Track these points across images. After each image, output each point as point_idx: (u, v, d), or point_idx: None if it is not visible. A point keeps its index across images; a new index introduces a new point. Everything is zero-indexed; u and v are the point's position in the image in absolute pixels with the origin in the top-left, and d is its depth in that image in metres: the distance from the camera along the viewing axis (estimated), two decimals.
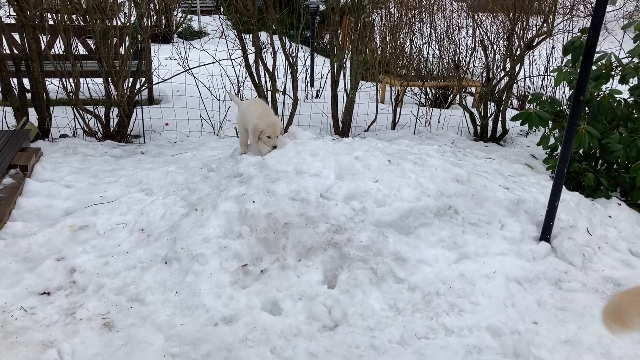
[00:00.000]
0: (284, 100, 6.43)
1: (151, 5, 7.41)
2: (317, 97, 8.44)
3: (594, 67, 4.79)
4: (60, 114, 6.07)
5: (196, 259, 3.33)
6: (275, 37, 6.12)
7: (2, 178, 4.38)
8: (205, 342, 2.86)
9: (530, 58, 8.05)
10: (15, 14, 5.54)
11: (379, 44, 8.30)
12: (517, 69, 6.72)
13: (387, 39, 8.03)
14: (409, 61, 8.30)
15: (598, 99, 4.91)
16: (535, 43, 6.65)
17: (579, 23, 7.77)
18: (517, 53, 6.61)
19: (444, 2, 8.94)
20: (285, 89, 6.43)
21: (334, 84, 6.51)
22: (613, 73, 4.98)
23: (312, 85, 9.05)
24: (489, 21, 7.26)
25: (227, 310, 3.05)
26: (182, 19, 15.01)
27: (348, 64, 6.60)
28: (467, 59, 7.55)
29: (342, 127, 6.66)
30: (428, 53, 8.65)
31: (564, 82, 5.15)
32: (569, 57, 5.19)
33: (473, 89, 8.71)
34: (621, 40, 6.58)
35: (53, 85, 5.92)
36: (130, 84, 5.95)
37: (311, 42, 9.43)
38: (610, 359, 2.88)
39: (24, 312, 3.01)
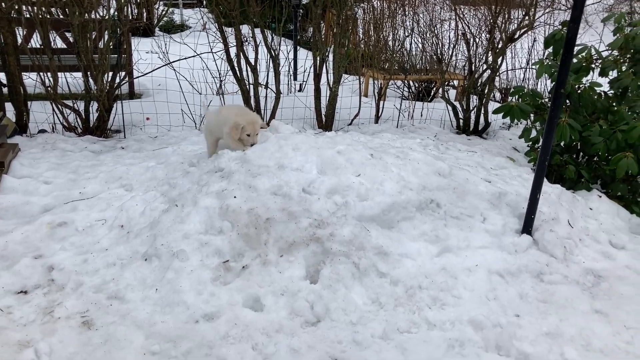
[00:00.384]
0: (266, 94, 6.38)
1: None
2: (300, 90, 8.40)
3: (574, 60, 4.82)
4: (39, 109, 5.96)
5: (176, 255, 3.29)
6: (258, 31, 6.06)
7: None
8: (186, 339, 2.83)
9: (512, 51, 8.08)
10: None
11: (361, 37, 8.27)
12: (499, 61, 6.74)
13: (370, 32, 8.01)
14: (392, 54, 8.29)
15: (579, 91, 4.94)
16: (517, 36, 6.67)
17: (560, 16, 7.82)
18: (499, 46, 6.63)
19: None
20: (267, 82, 6.38)
21: (317, 78, 6.47)
22: (593, 66, 5.01)
23: (295, 79, 9.00)
24: (472, 14, 7.26)
25: (208, 307, 3.02)
26: (163, 12, 14.85)
27: (331, 58, 6.57)
28: (450, 52, 7.55)
29: (325, 121, 6.64)
30: (411, 46, 8.64)
31: (546, 74, 5.17)
32: (550, 49, 5.21)
33: (456, 82, 8.73)
34: (601, 33, 6.63)
35: (31, 80, 5.81)
36: (110, 78, 5.86)
37: (294, 36, 9.37)
38: (590, 350, 2.91)
39: (0, 311, 2.95)
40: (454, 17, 7.37)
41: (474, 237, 3.71)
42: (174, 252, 3.32)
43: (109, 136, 6.08)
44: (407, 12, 8.37)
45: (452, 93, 8.74)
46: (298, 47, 9.39)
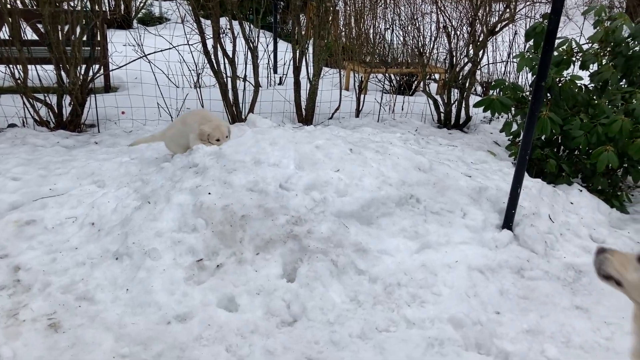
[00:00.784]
0: (244, 87, 6.27)
1: None
2: (280, 83, 8.29)
3: (555, 53, 4.78)
4: (8, 103, 5.78)
5: (148, 254, 3.18)
6: (236, 23, 5.94)
7: None
8: (157, 341, 2.73)
9: (494, 44, 8.05)
10: None
11: (342, 30, 8.18)
12: (480, 55, 6.70)
13: (352, 24, 7.92)
14: (373, 47, 8.21)
15: (559, 85, 4.91)
16: (497, 29, 6.63)
17: (541, 8, 7.80)
18: (480, 39, 6.58)
19: None
20: (245, 75, 6.26)
21: (297, 71, 6.37)
22: (574, 59, 4.98)
23: (275, 72, 8.89)
24: (453, 6, 7.21)
25: (180, 307, 2.92)
26: (141, 4, 14.58)
27: (311, 50, 6.47)
28: (431, 45, 7.49)
29: (305, 115, 6.54)
30: (392, 39, 8.57)
31: (527, 67, 5.13)
32: (531, 42, 5.17)
33: (437, 76, 8.68)
34: (581, 26, 6.62)
35: (0, 72, 5.63)
36: (83, 71, 5.69)
37: (274, 28, 9.25)
38: (571, 347, 2.87)
39: None
40: (435, 9, 7.31)
41: (454, 233, 3.65)
42: (146, 250, 3.21)
43: (83, 131, 5.92)
44: (388, 4, 8.29)
45: (434, 87, 8.69)
46: (278, 40, 9.26)
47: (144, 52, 6.47)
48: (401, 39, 8.39)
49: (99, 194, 4.02)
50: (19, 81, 5.52)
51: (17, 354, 2.60)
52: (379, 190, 3.71)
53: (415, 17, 7.79)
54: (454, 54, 6.88)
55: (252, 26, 6.23)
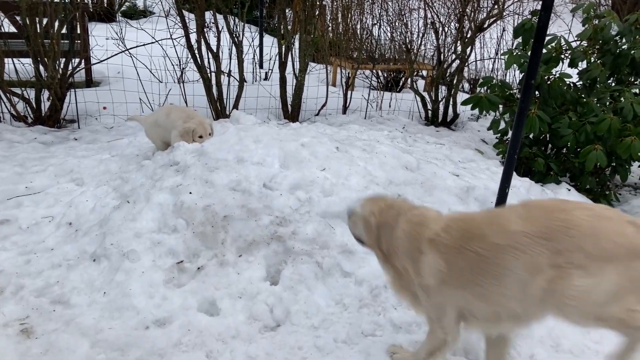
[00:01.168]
0: (229, 82, 6.14)
1: None
2: (266, 79, 8.16)
3: (544, 50, 4.73)
4: None
5: (127, 255, 3.08)
6: (220, 17, 5.81)
7: None
8: (135, 347, 2.63)
9: (481, 41, 7.99)
10: None
11: (329, 25, 8.08)
12: (468, 51, 6.63)
13: (339, 19, 7.83)
14: (360, 43, 8.12)
15: (548, 82, 4.85)
16: (486, 25, 6.57)
17: (529, 5, 7.75)
18: (468, 35, 6.52)
19: None
20: (230, 70, 6.14)
21: (282, 66, 6.26)
22: (563, 56, 4.93)
23: (261, 67, 8.76)
24: (441, 2, 7.14)
25: (159, 311, 2.82)
26: None
27: (297, 45, 6.36)
28: (419, 41, 7.42)
29: (291, 112, 6.43)
30: (379, 35, 8.48)
31: (515, 65, 5.08)
32: (520, 39, 5.12)
33: (424, 72, 8.61)
34: (570, 23, 6.58)
35: None
36: (62, 65, 5.54)
37: (260, 22, 9.11)
38: (560, 351, 2.82)
39: None
40: (423, 5, 7.23)
41: None
42: (125, 252, 3.10)
43: (62, 126, 5.77)
44: (375, 0, 8.21)
45: (421, 83, 8.62)
46: (264, 34, 9.13)
47: (125, 46, 6.31)
48: (389, 34, 8.31)
49: (77, 192, 3.90)
50: None
51: None
52: (366, 189, 3.63)
53: (402, 12, 7.71)
54: (442, 50, 6.81)
55: (237, 20, 6.11)
